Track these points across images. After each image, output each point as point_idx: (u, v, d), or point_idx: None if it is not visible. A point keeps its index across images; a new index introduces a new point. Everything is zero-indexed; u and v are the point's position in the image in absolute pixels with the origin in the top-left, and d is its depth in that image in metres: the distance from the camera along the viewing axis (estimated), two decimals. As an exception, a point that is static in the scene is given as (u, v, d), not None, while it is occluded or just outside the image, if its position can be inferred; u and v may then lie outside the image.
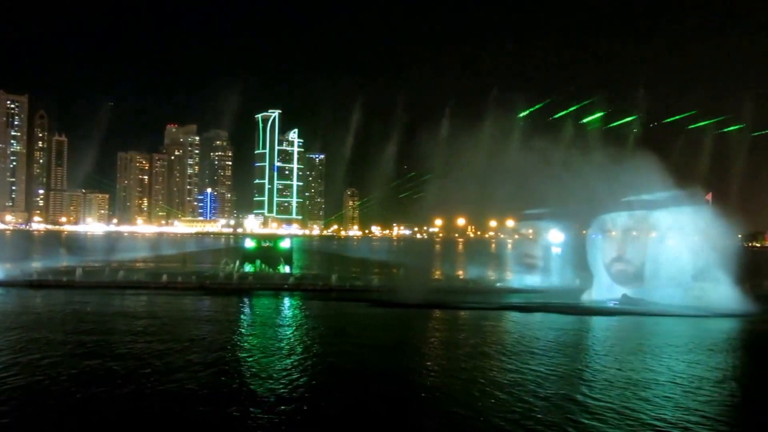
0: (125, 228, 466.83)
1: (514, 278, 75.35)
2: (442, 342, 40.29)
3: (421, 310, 52.69)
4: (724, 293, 54.81)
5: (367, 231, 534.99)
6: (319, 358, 33.60)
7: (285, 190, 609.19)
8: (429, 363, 33.66)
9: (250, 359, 33.11)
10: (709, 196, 60.51)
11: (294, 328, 44.17)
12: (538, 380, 29.14)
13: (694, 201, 58.84)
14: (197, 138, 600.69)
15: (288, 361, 32.62)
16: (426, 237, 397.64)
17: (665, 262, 57.33)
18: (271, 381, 28.35)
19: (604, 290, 60.43)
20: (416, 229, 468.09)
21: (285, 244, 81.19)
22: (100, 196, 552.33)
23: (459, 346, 38.05)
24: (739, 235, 58.87)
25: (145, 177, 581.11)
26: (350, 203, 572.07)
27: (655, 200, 59.56)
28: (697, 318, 50.43)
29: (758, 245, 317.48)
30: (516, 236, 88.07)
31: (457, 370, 31.19)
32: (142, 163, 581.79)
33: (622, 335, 44.04)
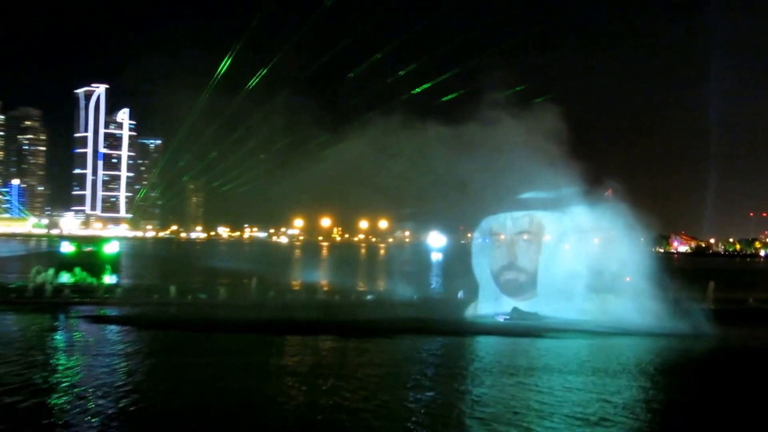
0: None
1: (388, 289, 75.07)
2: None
3: (264, 335, 49.88)
4: (630, 306, 56.06)
5: (213, 233, 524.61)
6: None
7: (112, 183, 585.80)
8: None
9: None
10: (609, 192, 62.06)
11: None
12: None
13: (596, 199, 60.17)
14: (1, 117, 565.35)
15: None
16: (284, 240, 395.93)
17: (563, 270, 58.01)
18: None
19: (491, 303, 60.47)
20: (272, 230, 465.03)
21: (111, 248, 77.45)
22: None
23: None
24: (642, 239, 60.74)
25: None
26: (193, 199, 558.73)
27: (551, 198, 60.46)
28: (600, 335, 51.31)
29: (662, 250, 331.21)
30: (390, 240, 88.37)
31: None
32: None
33: (506, 357, 43.73)
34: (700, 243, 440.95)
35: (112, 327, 51.63)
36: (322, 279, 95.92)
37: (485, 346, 48.56)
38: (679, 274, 73.70)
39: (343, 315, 59.14)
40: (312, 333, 50.39)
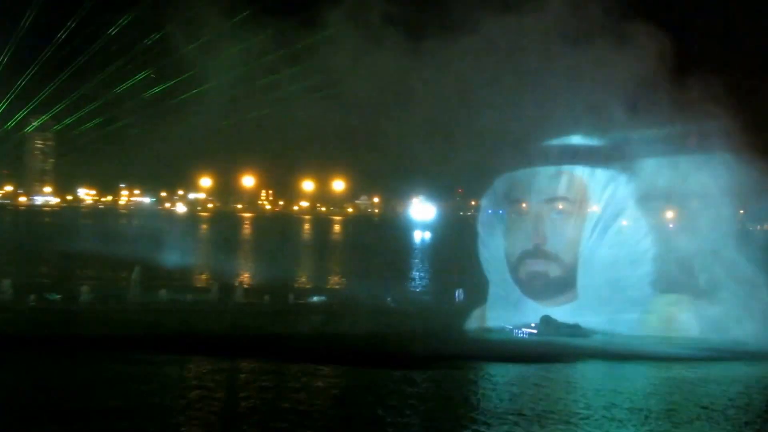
0: None
1: (347, 287, 75.11)
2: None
3: (148, 358, 48.69)
4: (721, 316, 56.08)
5: (70, 197, 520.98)
6: None
7: None
8: None
9: None
10: (693, 141, 61.19)
11: None
12: None
13: (674, 151, 59.61)
14: None
15: None
16: (182, 208, 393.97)
17: (618, 260, 58.42)
18: None
19: (507, 309, 60.60)
20: (164, 194, 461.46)
21: None
22: None
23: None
24: (741, 212, 60.58)
25: None
26: (39, 144, 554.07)
27: (604, 147, 60.31)
28: (671, 360, 51.19)
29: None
30: (350, 210, 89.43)
31: None
32: None
33: (523, 394, 43.21)
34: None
35: None
36: (243, 270, 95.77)
37: (494, 377, 47.90)
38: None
39: (273, 327, 58.86)
40: (223, 354, 49.84)
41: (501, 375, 48.46)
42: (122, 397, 39.94)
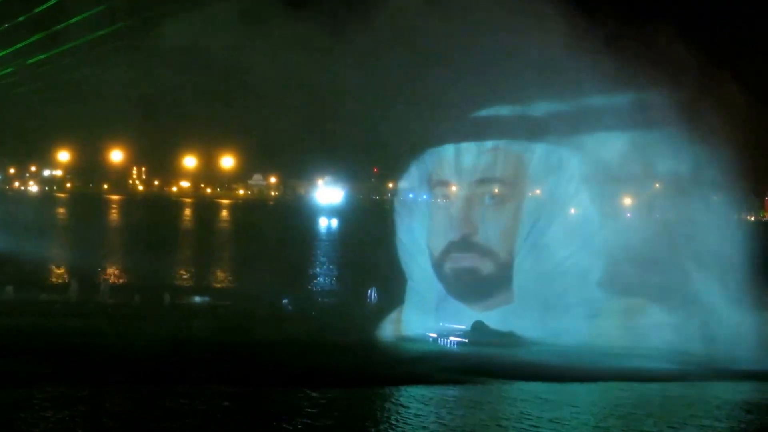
0: None
1: (235, 287, 75.00)
2: None
3: None
4: (687, 323, 56.37)
5: None
6: None
7: None
8: None
9: None
10: (657, 111, 60.56)
11: None
12: None
13: (636, 124, 59.44)
14: None
15: None
16: (34, 188, 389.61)
17: (563, 256, 58.59)
18: None
19: (429, 313, 60.68)
20: (12, 170, 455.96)
21: None
22: None
23: None
24: (716, 198, 60.29)
25: None
26: None
27: (545, 118, 60.24)
28: (628, 378, 50.72)
29: (753, 218, 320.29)
30: (241, 192, 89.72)
31: None
32: None
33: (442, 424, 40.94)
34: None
35: None
36: (109, 265, 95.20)
37: (395, 399, 45.43)
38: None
39: (140, 333, 57.32)
40: (80, 370, 46.85)
41: (413, 396, 45.92)
42: None
